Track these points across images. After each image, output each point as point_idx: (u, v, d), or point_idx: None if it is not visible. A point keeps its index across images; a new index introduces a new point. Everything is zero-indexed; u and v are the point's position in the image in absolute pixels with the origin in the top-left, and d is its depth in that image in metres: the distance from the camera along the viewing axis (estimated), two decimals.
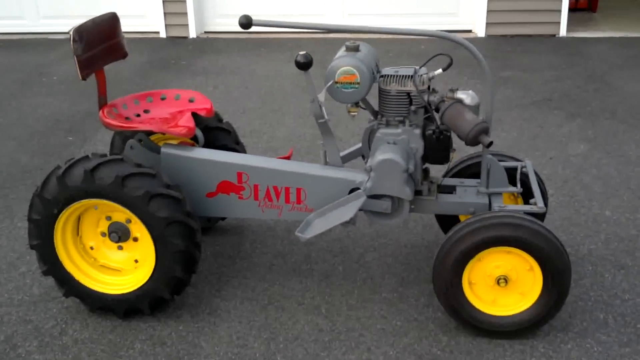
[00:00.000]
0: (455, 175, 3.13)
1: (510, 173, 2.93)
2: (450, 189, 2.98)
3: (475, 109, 2.74)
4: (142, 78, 6.47)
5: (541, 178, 3.10)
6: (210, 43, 7.73)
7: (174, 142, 3.13)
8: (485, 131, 2.59)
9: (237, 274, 3.20)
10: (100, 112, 2.96)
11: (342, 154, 2.96)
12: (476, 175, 2.97)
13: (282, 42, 7.62)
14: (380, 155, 2.71)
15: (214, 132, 3.31)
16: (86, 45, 2.82)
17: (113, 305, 2.86)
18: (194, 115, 3.03)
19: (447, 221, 3.18)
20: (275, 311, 2.93)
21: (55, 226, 2.75)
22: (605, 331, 2.75)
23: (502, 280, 2.62)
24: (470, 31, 7.93)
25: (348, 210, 2.73)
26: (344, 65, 2.67)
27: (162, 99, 3.21)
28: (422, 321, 2.84)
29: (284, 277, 3.16)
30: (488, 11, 7.65)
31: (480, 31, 7.76)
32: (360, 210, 2.79)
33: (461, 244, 2.58)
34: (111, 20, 3.07)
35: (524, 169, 2.98)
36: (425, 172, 2.96)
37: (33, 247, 2.80)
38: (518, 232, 2.52)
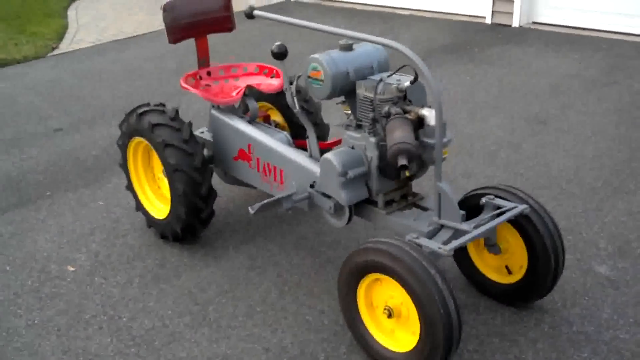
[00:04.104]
0: (461, 202, 2.89)
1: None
2: (425, 210, 2.82)
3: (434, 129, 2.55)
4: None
5: (552, 233, 2.66)
6: (526, 34, 7.44)
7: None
8: (404, 153, 2.42)
9: (258, 234, 3.57)
10: (190, 73, 3.61)
11: None
12: (472, 207, 2.75)
13: (595, 41, 6.92)
14: (327, 155, 2.76)
15: None
16: (176, 16, 3.48)
17: (154, 226, 3.57)
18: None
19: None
20: (249, 271, 3.26)
21: (127, 153, 3.55)
22: None
23: (386, 311, 2.48)
24: None
25: (279, 196, 2.87)
26: (313, 61, 2.76)
27: (255, 71, 3.69)
28: (340, 325, 2.83)
29: (290, 248, 3.41)
30: None
31: None
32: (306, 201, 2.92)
33: (355, 257, 2.52)
34: None
35: (507, 212, 2.62)
36: (404, 185, 2.84)
37: (120, 166, 3.67)
38: (395, 264, 2.36)
